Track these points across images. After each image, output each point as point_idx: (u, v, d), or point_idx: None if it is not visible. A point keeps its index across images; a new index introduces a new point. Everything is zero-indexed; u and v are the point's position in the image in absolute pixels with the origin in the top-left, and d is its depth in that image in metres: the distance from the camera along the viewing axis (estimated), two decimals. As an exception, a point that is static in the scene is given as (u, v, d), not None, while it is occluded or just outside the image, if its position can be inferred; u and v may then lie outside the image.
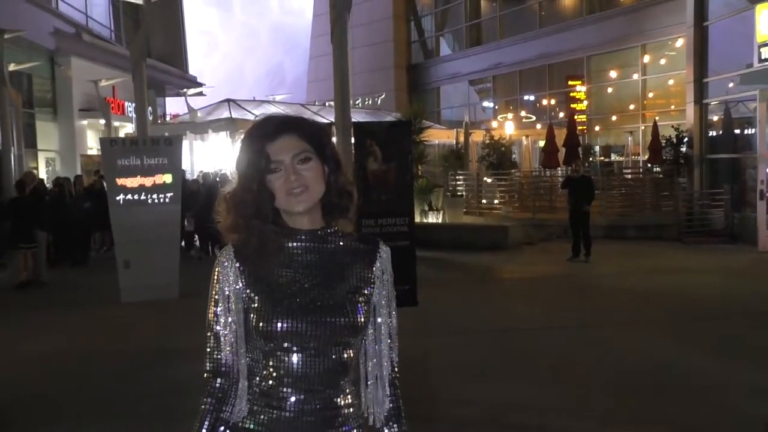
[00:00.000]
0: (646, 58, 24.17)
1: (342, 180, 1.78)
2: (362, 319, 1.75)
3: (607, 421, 5.28)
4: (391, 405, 1.83)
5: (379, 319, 1.82)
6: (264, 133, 1.74)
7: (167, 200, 10.43)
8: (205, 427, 1.74)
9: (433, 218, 17.52)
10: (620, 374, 6.39)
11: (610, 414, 5.41)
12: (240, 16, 65.44)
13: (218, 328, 1.75)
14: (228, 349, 1.75)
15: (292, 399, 1.70)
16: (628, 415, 5.35)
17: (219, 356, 1.75)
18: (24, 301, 10.64)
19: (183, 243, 14.02)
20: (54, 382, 6.57)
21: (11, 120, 17.23)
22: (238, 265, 1.75)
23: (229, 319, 1.75)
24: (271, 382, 1.72)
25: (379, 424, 1.82)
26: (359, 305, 1.75)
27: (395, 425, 1.83)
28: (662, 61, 24.00)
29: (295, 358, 1.69)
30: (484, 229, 16.61)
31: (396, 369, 1.85)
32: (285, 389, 1.70)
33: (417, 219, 14.73)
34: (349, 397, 1.75)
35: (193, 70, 35.71)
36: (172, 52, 31.71)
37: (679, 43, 21.23)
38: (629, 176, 22.52)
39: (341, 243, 1.80)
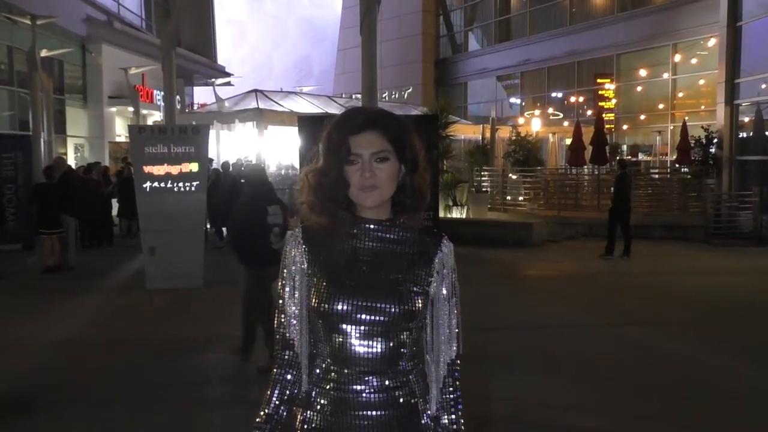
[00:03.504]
0: (677, 58, 23.89)
1: (416, 181, 1.84)
2: (415, 308, 1.80)
3: (631, 420, 5.24)
4: (448, 396, 1.87)
5: (439, 311, 1.87)
6: (350, 125, 1.80)
7: (193, 189, 10.49)
8: (276, 395, 1.83)
9: (457, 213, 17.46)
10: (644, 373, 6.33)
11: (634, 413, 5.37)
12: (270, 7, 65.64)
13: (285, 305, 1.86)
14: (294, 325, 1.85)
15: (346, 379, 1.78)
16: (651, 415, 5.30)
17: (286, 332, 1.86)
18: (50, 286, 10.77)
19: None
20: (78, 368, 6.66)
21: (42, 105, 17.46)
22: (305, 246, 1.86)
23: (295, 298, 1.85)
24: (329, 360, 1.81)
25: (436, 412, 1.87)
26: (414, 295, 1.80)
27: (452, 416, 1.87)
28: (693, 61, 23.71)
29: (349, 339, 1.77)
30: (509, 226, 16.52)
31: (458, 361, 1.89)
32: (340, 369, 1.79)
33: (441, 214, 14.69)
34: (404, 381, 1.81)
35: (221, 60, 35.94)
36: (202, 41, 31.91)
37: (711, 42, 20.96)
38: (657, 176, 22.28)
39: (405, 235, 1.86)
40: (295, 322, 1.85)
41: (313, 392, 1.82)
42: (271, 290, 6.38)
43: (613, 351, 7.12)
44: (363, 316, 1.76)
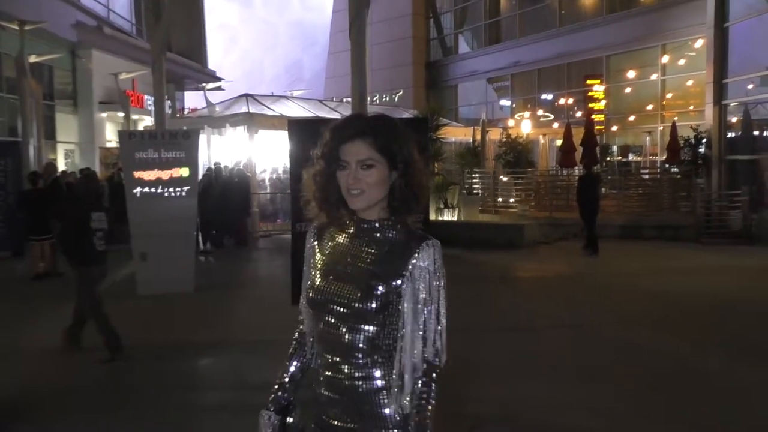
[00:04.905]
0: (666, 59, 24.03)
1: (408, 184, 1.97)
2: (379, 303, 1.91)
3: (622, 420, 5.26)
4: (417, 400, 1.90)
5: (405, 310, 1.92)
6: (341, 134, 1.96)
7: (184, 194, 10.49)
8: (293, 364, 2.14)
9: (448, 216, 17.50)
10: (636, 373, 6.37)
11: (626, 412, 5.39)
12: (260, 11, 65.62)
13: (301, 294, 2.09)
14: (303, 310, 2.11)
15: (320, 362, 2.01)
16: (644, 414, 5.33)
17: (300, 315, 2.15)
18: (40, 293, 10.72)
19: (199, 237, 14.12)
20: (71, 374, 6.65)
21: (31, 111, 17.39)
22: (315, 242, 2.11)
23: (306, 287, 2.08)
24: (316, 344, 2.04)
25: (403, 411, 1.91)
26: (382, 291, 1.92)
27: (417, 418, 1.89)
28: (681, 62, 23.84)
29: (325, 326, 1.97)
30: (500, 228, 16.56)
31: (433, 362, 1.92)
32: (320, 352, 2.01)
33: (432, 216, 14.72)
34: (369, 373, 1.93)
35: (212, 64, 35.89)
36: (192, 46, 31.87)
37: (699, 43, 21.09)
38: (647, 176, 22.38)
39: (389, 235, 2.00)
40: (303, 308, 2.09)
41: (314, 369, 2.05)
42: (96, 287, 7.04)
43: (606, 351, 7.16)
44: (335, 307, 1.94)
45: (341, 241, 2.04)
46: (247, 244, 16.14)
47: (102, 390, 6.15)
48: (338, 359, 1.95)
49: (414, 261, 1.93)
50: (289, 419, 2.10)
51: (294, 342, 2.15)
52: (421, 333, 1.92)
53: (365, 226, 2.01)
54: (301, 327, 2.14)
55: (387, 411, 1.92)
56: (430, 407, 1.90)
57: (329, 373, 1.97)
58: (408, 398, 1.90)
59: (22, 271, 12.23)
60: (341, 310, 1.93)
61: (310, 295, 2.01)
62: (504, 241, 15.17)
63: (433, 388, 1.92)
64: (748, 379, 6.23)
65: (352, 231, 2.03)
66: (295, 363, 2.13)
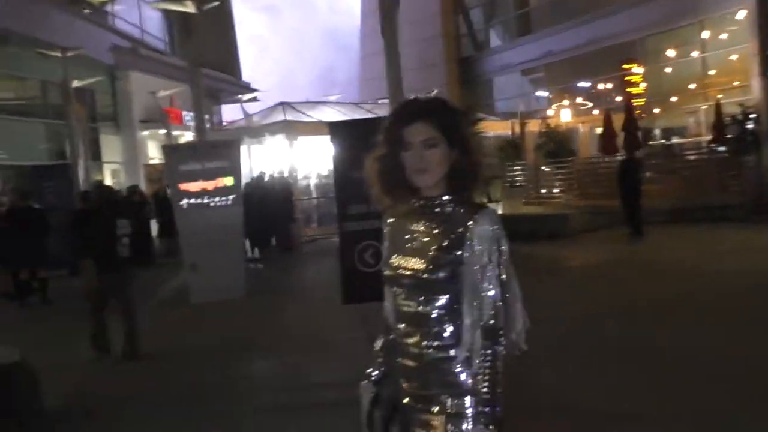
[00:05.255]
0: (705, 34, 23.45)
1: (467, 162, 2.09)
2: (438, 276, 2.04)
3: (680, 409, 5.11)
4: (479, 360, 2.00)
5: (467, 277, 2.03)
6: (402, 117, 2.12)
7: (229, 202, 10.64)
8: (382, 337, 2.29)
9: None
10: (689, 361, 6.16)
11: (681, 401, 5.24)
12: (288, 19, 66.13)
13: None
14: (385, 288, 2.24)
15: (398, 333, 2.14)
16: (699, 404, 5.18)
17: (383, 293, 2.27)
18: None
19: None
20: (140, 380, 6.79)
21: (77, 134, 17.83)
22: (388, 224, 2.27)
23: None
24: (392, 315, 2.19)
25: (474, 377, 2.00)
26: (441, 264, 2.04)
27: (483, 381, 1.98)
28: (723, 36, 23.23)
29: (397, 299, 2.13)
30: (544, 218, 16.41)
31: (495, 326, 2.00)
32: (395, 324, 2.16)
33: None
34: (439, 343, 2.05)
35: (246, 76, 36.28)
36: (225, 60, 32.26)
37: (741, 14, 20.52)
38: (693, 157, 21.89)
39: (449, 209, 2.11)
40: (385, 285, 2.22)
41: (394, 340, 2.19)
42: (126, 292, 7.34)
43: (657, 336, 7.00)
44: (404, 280, 2.10)
45: (407, 218, 2.17)
46: (293, 249, 16.27)
47: (164, 394, 6.25)
48: (412, 329, 2.09)
49: (472, 229, 2.03)
50: (381, 391, 2.22)
51: (384, 319, 2.27)
52: (482, 297, 2.01)
53: (428, 202, 2.13)
54: (385, 303, 2.25)
55: (459, 378, 2.02)
56: (495, 371, 1.98)
57: (405, 343, 2.10)
58: (476, 362, 1.99)
59: (78, 288, 12.47)
60: (410, 282, 2.07)
61: (384, 271, 2.16)
62: (549, 232, 15.02)
63: (497, 351, 2.00)
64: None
65: (416, 208, 2.15)
66: (383, 338, 2.27)
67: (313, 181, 19.57)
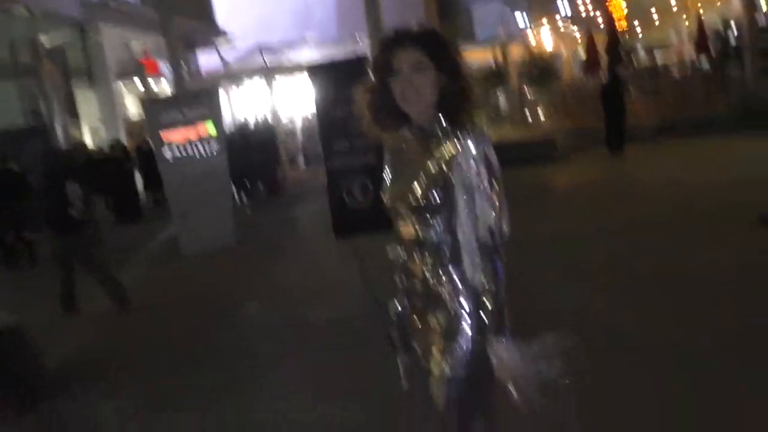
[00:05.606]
0: (685, -52, 22.99)
1: (457, 86, 2.10)
2: (430, 201, 2.07)
3: (676, 324, 5.13)
4: (480, 279, 2.04)
5: (458, 198, 2.07)
6: (390, 45, 2.13)
7: (213, 151, 10.51)
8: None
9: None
10: (676, 277, 6.15)
11: (674, 317, 5.27)
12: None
13: None
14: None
15: (402, 258, 2.20)
16: (689, 319, 5.23)
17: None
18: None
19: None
20: (129, 335, 6.79)
21: (52, 93, 17.46)
22: (388, 156, 2.29)
23: None
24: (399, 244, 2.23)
25: (473, 298, 2.05)
26: (432, 189, 2.07)
27: (482, 299, 2.03)
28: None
29: (396, 223, 2.20)
30: (532, 143, 16.33)
31: (488, 243, 2.04)
32: (398, 244, 2.22)
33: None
34: (438, 266, 2.10)
35: (220, 20, 35.43)
36: (198, 5, 31.47)
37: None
38: (677, 74, 21.71)
39: (439, 134, 2.11)
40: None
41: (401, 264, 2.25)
42: (85, 253, 7.39)
43: (650, 254, 6.99)
44: (402, 207, 2.15)
45: (400, 146, 2.21)
46: (280, 193, 16.21)
47: (161, 347, 6.27)
48: (414, 254, 2.15)
49: (460, 150, 2.05)
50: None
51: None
52: (474, 217, 2.05)
53: (419, 130, 2.15)
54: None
55: (459, 299, 2.07)
56: (494, 288, 2.02)
57: (408, 267, 2.17)
58: (476, 279, 2.03)
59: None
60: (408, 209, 2.12)
61: (383, 199, 2.22)
62: (537, 156, 14.97)
63: (496, 268, 2.03)
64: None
65: (407, 136, 2.18)
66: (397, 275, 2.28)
67: (298, 123, 19.36)
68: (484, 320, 2.02)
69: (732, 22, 18.17)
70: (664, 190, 10.20)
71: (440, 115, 2.12)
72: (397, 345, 2.28)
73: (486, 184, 2.05)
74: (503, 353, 2.00)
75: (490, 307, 2.02)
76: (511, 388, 1.99)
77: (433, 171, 2.07)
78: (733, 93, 16.19)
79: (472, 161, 2.04)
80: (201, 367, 5.60)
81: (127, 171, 15.36)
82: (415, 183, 2.09)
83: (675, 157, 13.23)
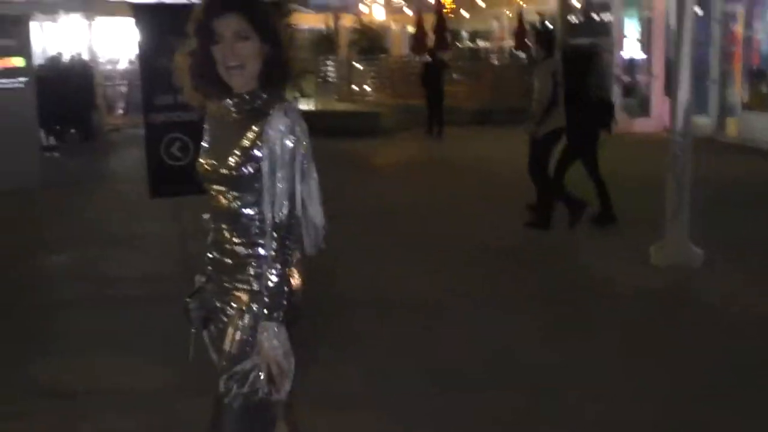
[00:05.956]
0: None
1: (278, 57, 2.06)
2: (238, 173, 2.05)
3: (479, 293, 5.60)
4: (272, 256, 2.03)
5: (263, 173, 2.03)
6: (213, 8, 2.03)
7: (21, 85, 9.76)
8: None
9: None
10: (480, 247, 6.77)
11: (480, 286, 5.77)
12: None
13: None
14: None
15: (212, 228, 2.20)
16: (500, 288, 5.75)
17: None
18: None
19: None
20: None
21: None
22: (206, 122, 2.23)
23: None
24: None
25: (267, 273, 2.03)
26: (241, 161, 2.05)
27: (266, 274, 2.02)
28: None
29: (210, 199, 2.16)
30: (356, 115, 16.64)
31: (276, 220, 2.02)
32: (211, 220, 2.20)
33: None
34: (246, 239, 2.10)
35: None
36: None
37: None
38: (496, 63, 22.95)
39: (256, 105, 2.08)
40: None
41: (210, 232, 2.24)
42: None
43: (465, 228, 7.51)
44: (214, 177, 2.11)
45: (218, 116, 2.16)
46: (93, 138, 15.29)
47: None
48: (223, 225, 2.13)
49: (267, 125, 2.02)
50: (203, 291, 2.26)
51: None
52: (275, 194, 2.02)
53: (236, 99, 2.09)
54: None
55: (260, 274, 2.05)
56: (285, 266, 2.02)
57: (216, 237, 2.16)
58: (270, 257, 2.02)
59: None
60: (219, 179, 2.09)
61: (198, 169, 2.16)
62: (362, 129, 15.28)
63: (288, 246, 2.04)
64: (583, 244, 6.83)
65: (225, 105, 2.12)
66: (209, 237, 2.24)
67: (120, 66, 18.28)
68: (265, 300, 2.01)
69: (547, 20, 19.42)
70: (472, 170, 10.88)
71: (260, 86, 2.08)
72: (193, 316, 2.22)
73: (289, 161, 2.02)
74: (265, 338, 1.98)
75: (270, 288, 2.00)
76: (264, 371, 2.00)
77: (247, 144, 2.04)
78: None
79: (277, 136, 2.01)
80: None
81: None
82: (229, 155, 2.05)
83: (483, 142, 14.08)
